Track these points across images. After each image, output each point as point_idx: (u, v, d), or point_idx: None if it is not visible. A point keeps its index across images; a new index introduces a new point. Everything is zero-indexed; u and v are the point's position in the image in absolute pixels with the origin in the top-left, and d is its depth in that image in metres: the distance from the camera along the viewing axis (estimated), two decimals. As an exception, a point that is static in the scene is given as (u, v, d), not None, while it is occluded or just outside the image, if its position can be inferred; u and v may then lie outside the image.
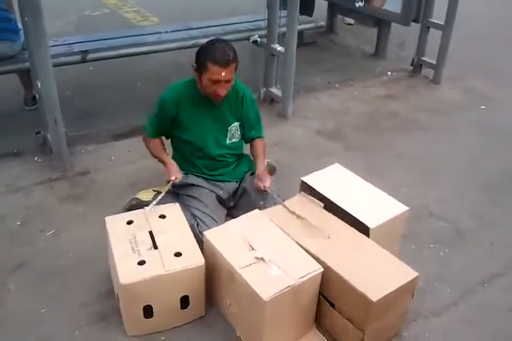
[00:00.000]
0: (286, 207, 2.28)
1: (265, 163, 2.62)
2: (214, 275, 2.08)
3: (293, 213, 2.23)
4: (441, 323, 2.16)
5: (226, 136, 2.57)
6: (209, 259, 2.06)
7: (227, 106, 2.53)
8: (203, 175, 2.58)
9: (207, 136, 2.53)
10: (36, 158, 3.09)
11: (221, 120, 2.54)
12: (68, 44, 3.63)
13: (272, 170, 2.95)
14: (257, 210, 2.27)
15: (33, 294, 2.19)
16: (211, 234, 2.10)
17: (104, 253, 2.19)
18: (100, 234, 2.18)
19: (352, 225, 2.17)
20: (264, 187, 2.42)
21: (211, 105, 2.48)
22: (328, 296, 2.03)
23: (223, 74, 2.29)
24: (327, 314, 2.05)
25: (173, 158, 2.59)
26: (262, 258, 1.95)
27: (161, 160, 2.53)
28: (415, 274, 1.96)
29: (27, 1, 2.53)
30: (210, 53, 2.29)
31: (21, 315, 2.10)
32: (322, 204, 2.28)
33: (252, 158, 2.69)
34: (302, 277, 1.88)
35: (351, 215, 2.19)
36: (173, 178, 2.41)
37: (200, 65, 2.32)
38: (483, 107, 4.03)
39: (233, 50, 2.34)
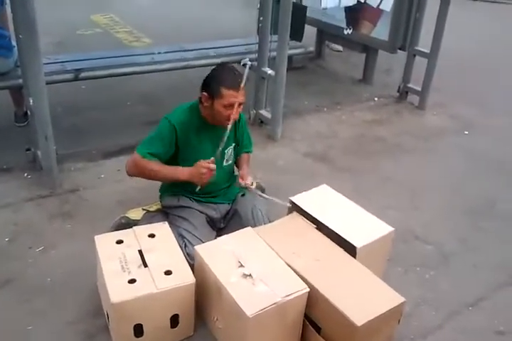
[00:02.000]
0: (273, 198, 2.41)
1: (248, 169, 2.66)
2: (203, 289, 2.08)
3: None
4: (427, 346, 2.18)
5: (223, 158, 2.60)
6: (199, 274, 2.08)
7: (225, 129, 2.56)
8: (195, 197, 2.58)
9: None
10: (26, 175, 3.09)
11: (220, 144, 2.57)
12: (61, 62, 3.67)
13: (260, 191, 2.99)
14: (249, 228, 2.30)
15: (19, 311, 2.17)
16: (202, 249, 2.12)
17: (93, 271, 2.18)
18: (89, 251, 2.18)
19: (338, 245, 2.20)
20: (246, 183, 2.50)
21: (212, 131, 2.49)
22: (314, 318, 2.04)
23: (238, 97, 2.33)
24: (312, 338, 2.05)
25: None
26: (249, 275, 1.97)
27: (176, 171, 2.40)
28: (402, 299, 1.97)
29: (22, 19, 2.56)
30: (222, 79, 2.32)
31: (7, 333, 2.07)
32: (314, 225, 2.31)
33: (236, 166, 2.74)
34: (288, 295, 1.89)
35: (338, 235, 2.22)
36: (212, 166, 2.33)
37: (213, 92, 2.32)
38: (466, 133, 4.14)
39: (240, 73, 2.39)
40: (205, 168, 2.32)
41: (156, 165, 2.38)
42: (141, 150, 2.38)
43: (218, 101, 2.34)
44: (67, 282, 2.32)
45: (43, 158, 2.97)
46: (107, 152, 3.43)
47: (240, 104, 2.37)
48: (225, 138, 2.34)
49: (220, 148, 2.37)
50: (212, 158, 2.36)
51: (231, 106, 2.33)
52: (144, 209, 2.70)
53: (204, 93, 2.37)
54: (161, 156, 2.41)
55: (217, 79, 2.34)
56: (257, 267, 2.02)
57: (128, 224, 2.56)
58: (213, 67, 2.46)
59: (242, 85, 2.32)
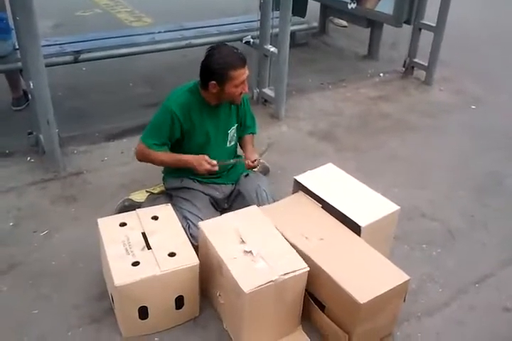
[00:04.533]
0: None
1: (253, 150, 2.63)
2: (207, 266, 2.08)
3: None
4: (433, 323, 2.17)
5: (227, 139, 2.57)
6: (203, 250, 2.09)
7: (227, 109, 2.52)
8: (198, 179, 2.56)
9: (211, 143, 2.50)
10: (28, 159, 3.08)
11: (222, 124, 2.53)
12: (60, 44, 3.62)
13: (265, 171, 2.97)
14: (254, 206, 2.29)
15: (25, 295, 2.19)
16: (205, 226, 2.12)
17: (97, 254, 2.18)
18: (93, 234, 2.17)
19: (344, 224, 2.19)
20: (252, 162, 2.48)
21: (213, 111, 2.46)
22: (319, 297, 2.04)
23: (246, 72, 2.32)
24: (315, 315, 2.07)
25: None
26: (250, 252, 1.97)
27: (180, 161, 2.43)
28: (406, 277, 1.96)
29: (18, 0, 2.52)
30: (225, 63, 2.27)
31: (13, 317, 2.09)
32: (320, 205, 2.29)
33: (241, 147, 2.71)
34: (286, 274, 1.89)
35: (343, 214, 2.21)
36: (214, 163, 2.36)
37: (221, 79, 2.27)
38: (473, 107, 4.07)
39: (237, 48, 2.35)
40: (207, 163, 2.35)
41: (162, 155, 2.42)
42: (146, 140, 2.42)
43: (229, 83, 2.30)
44: (71, 265, 2.33)
45: (45, 142, 2.95)
46: (110, 134, 3.40)
47: (247, 77, 2.35)
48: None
49: (230, 161, 2.48)
50: (216, 162, 2.37)
51: (242, 83, 2.32)
52: (147, 192, 2.70)
53: (212, 82, 2.30)
54: (166, 143, 2.43)
55: (220, 64, 2.27)
56: (259, 244, 2.02)
57: (132, 206, 2.56)
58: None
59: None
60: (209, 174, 2.45)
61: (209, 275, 2.11)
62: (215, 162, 2.37)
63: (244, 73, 2.31)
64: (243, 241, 2.03)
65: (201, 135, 2.47)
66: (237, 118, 2.60)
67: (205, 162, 2.36)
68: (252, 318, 1.92)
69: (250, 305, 1.87)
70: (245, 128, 2.68)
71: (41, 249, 2.42)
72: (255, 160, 2.49)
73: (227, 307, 2.05)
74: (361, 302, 1.82)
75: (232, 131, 2.58)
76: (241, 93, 2.37)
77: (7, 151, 3.16)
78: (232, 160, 2.57)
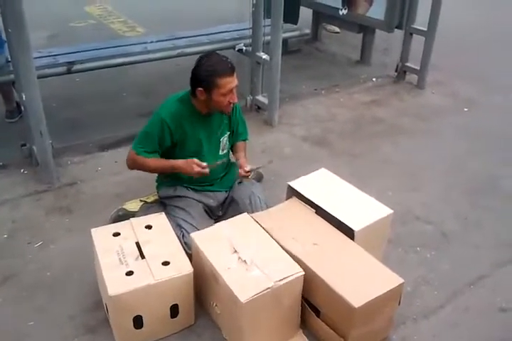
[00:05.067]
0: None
1: (246, 157, 2.65)
2: (201, 276, 2.08)
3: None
4: (429, 326, 2.17)
5: (219, 147, 2.58)
6: (196, 261, 2.09)
7: (218, 118, 2.53)
8: (193, 187, 2.57)
9: (203, 151, 2.51)
10: (22, 170, 3.08)
11: (214, 133, 2.54)
12: (53, 55, 3.64)
13: (259, 178, 2.98)
14: (245, 214, 2.29)
15: (20, 307, 2.18)
16: (197, 236, 2.12)
17: (92, 265, 2.18)
18: (88, 245, 2.17)
19: (337, 228, 2.19)
20: (245, 172, 2.49)
21: (205, 120, 2.48)
22: (313, 302, 2.04)
23: (233, 81, 2.32)
24: (311, 320, 2.07)
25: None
26: (244, 261, 1.97)
27: (170, 166, 2.43)
28: (400, 281, 1.96)
29: (10, 12, 2.53)
30: (213, 70, 2.28)
31: (9, 329, 2.09)
32: (313, 210, 2.30)
33: (233, 154, 2.73)
34: (282, 279, 1.89)
35: (336, 219, 2.21)
36: (204, 165, 2.36)
37: (208, 86, 2.29)
38: (466, 110, 4.09)
39: (227, 57, 2.37)
40: (197, 166, 2.35)
41: (152, 162, 2.44)
42: (136, 147, 2.43)
43: (216, 91, 2.31)
44: (66, 276, 2.33)
45: (38, 153, 2.95)
46: (104, 144, 3.41)
47: (236, 87, 2.35)
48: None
49: (219, 162, 2.46)
50: (206, 164, 2.37)
51: (230, 91, 2.32)
52: (141, 201, 2.71)
53: (199, 89, 2.32)
54: (156, 150, 2.44)
55: (208, 71, 2.29)
56: (252, 252, 2.02)
57: (126, 215, 2.56)
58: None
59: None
60: (201, 177, 2.43)
61: (203, 285, 2.11)
62: (205, 164, 2.37)
63: (231, 82, 2.31)
64: (236, 250, 2.03)
65: (193, 144, 2.47)
66: (230, 127, 2.62)
67: (195, 165, 2.35)
68: (251, 327, 1.92)
69: (248, 314, 1.87)
70: (237, 135, 2.70)
71: (36, 261, 2.42)
72: (249, 172, 2.51)
73: (224, 317, 2.05)
74: (356, 307, 1.83)
75: (225, 140, 2.59)
76: (230, 103, 2.37)
77: (1, 163, 3.16)
78: (219, 162, 2.56)
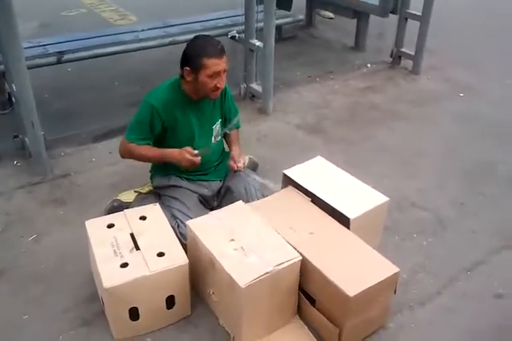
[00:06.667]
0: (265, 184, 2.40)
1: (240, 147, 2.64)
2: (197, 264, 2.08)
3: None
4: (426, 313, 2.17)
5: (211, 135, 2.56)
6: (192, 249, 2.08)
7: (210, 105, 2.51)
8: (187, 176, 2.55)
9: (196, 139, 2.49)
10: (15, 162, 3.06)
11: (206, 120, 2.52)
12: (43, 45, 3.59)
13: (254, 166, 2.96)
14: (240, 202, 2.28)
15: (15, 301, 2.17)
16: (193, 224, 2.11)
17: (87, 256, 2.17)
18: (82, 237, 2.15)
19: (333, 216, 2.18)
20: (237, 167, 2.49)
21: (196, 107, 2.45)
22: (309, 291, 2.04)
23: (221, 64, 2.28)
24: (306, 310, 2.06)
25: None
26: (241, 247, 1.97)
27: (164, 155, 2.42)
28: (396, 269, 1.95)
29: (-2, 3, 2.49)
30: (201, 50, 2.26)
31: (3, 322, 2.08)
32: (309, 199, 2.28)
33: (226, 143, 2.71)
34: (280, 264, 1.89)
35: (332, 207, 2.20)
36: (195, 152, 2.33)
37: (195, 65, 2.26)
38: (461, 95, 4.07)
39: (218, 40, 2.34)
40: (189, 155, 2.32)
41: (143, 150, 2.41)
42: (128, 135, 2.42)
43: (202, 72, 2.27)
44: (61, 269, 2.31)
45: (31, 145, 2.92)
46: (97, 135, 3.38)
47: (224, 71, 2.32)
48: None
49: (208, 148, 2.38)
50: (197, 152, 2.35)
51: (216, 74, 2.29)
52: (135, 191, 2.69)
53: (186, 68, 2.30)
54: (148, 137, 2.41)
55: (196, 51, 2.27)
56: (249, 239, 2.02)
57: (120, 207, 2.55)
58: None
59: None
60: (194, 167, 2.41)
61: (200, 273, 2.11)
62: (196, 152, 2.34)
63: (219, 64, 2.27)
64: (232, 237, 2.02)
65: (185, 130, 2.45)
66: (221, 114, 2.59)
67: (187, 153, 2.33)
68: (249, 312, 1.92)
69: (247, 299, 1.87)
70: (229, 122, 2.66)
71: (30, 253, 2.41)
72: (239, 166, 2.51)
73: (221, 304, 2.05)
74: (350, 296, 1.82)
75: (217, 127, 2.57)
76: (217, 87, 2.32)
77: (-7, 155, 3.14)
78: (207, 149, 2.46)
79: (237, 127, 2.74)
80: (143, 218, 2.20)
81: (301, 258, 1.94)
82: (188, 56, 2.30)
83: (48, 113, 3.37)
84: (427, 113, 3.81)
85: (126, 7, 5.96)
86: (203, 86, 2.33)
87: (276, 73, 3.66)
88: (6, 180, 2.90)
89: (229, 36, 4.01)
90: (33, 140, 2.89)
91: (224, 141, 2.72)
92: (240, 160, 2.54)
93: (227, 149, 2.72)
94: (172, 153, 2.39)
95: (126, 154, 2.49)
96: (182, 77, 2.37)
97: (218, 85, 2.32)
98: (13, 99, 2.87)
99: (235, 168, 2.50)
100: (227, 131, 2.64)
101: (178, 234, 2.27)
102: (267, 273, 1.85)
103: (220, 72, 2.29)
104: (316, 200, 2.27)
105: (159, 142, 2.45)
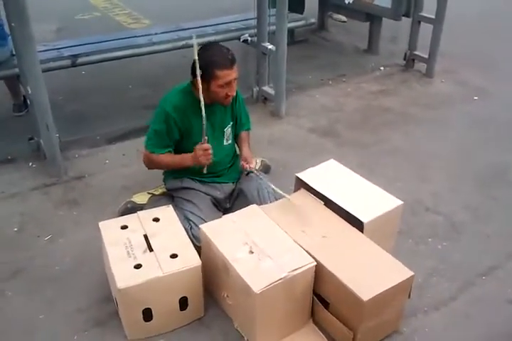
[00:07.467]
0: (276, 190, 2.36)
1: (250, 149, 2.64)
2: (211, 268, 2.08)
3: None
4: (440, 317, 2.15)
5: (223, 138, 2.57)
6: (206, 252, 2.08)
7: (222, 108, 2.52)
8: (199, 179, 2.56)
9: (208, 141, 2.47)
10: (30, 164, 3.09)
11: (218, 123, 2.53)
12: (58, 49, 3.63)
13: (266, 169, 2.96)
14: (254, 205, 2.28)
15: (30, 300, 2.19)
16: (207, 228, 2.11)
17: (101, 257, 2.19)
18: (96, 238, 2.17)
19: (346, 220, 2.17)
20: (250, 167, 2.49)
21: (208, 110, 2.45)
22: (322, 294, 2.03)
23: (232, 74, 2.30)
24: (320, 313, 2.06)
25: None
26: (255, 252, 1.97)
27: (183, 159, 2.42)
28: (410, 273, 1.94)
29: (13, 6, 2.51)
30: (212, 60, 2.26)
31: (19, 322, 2.10)
32: (322, 202, 2.28)
33: (237, 145, 2.71)
34: (294, 270, 1.88)
35: (345, 210, 2.19)
36: (207, 146, 2.29)
37: (207, 76, 2.26)
38: (475, 98, 4.04)
39: (228, 49, 2.35)
40: (200, 149, 2.31)
41: (165, 158, 2.44)
42: (148, 146, 2.45)
43: (214, 83, 2.30)
44: (75, 269, 2.33)
45: (46, 147, 2.95)
46: (111, 137, 3.40)
47: (235, 79, 2.33)
48: (204, 115, 2.22)
49: (204, 124, 2.26)
50: (203, 140, 2.32)
51: (227, 84, 2.31)
52: (149, 193, 2.70)
53: (197, 78, 2.29)
54: (169, 144, 2.44)
55: (207, 62, 2.26)
56: (263, 243, 2.01)
57: (134, 208, 2.56)
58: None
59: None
60: (209, 164, 2.38)
61: (214, 276, 2.11)
62: (205, 145, 2.30)
63: (229, 75, 2.29)
64: (247, 242, 2.02)
65: (199, 134, 2.46)
66: (232, 116, 2.60)
67: (199, 151, 2.31)
68: (263, 317, 1.92)
69: (261, 305, 1.87)
70: (240, 125, 2.68)
71: (45, 254, 2.43)
72: (251, 167, 2.52)
73: (236, 308, 2.05)
74: (364, 300, 1.81)
75: (228, 130, 2.58)
76: (228, 95, 2.35)
77: (9, 157, 3.17)
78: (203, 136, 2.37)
79: (247, 129, 2.74)
80: (156, 220, 2.21)
81: (315, 263, 1.93)
82: (199, 66, 2.28)
83: (63, 115, 3.40)
84: (440, 116, 3.79)
85: (139, 11, 6.00)
86: (215, 94, 2.35)
87: (288, 76, 3.67)
88: (21, 182, 2.93)
89: (241, 40, 4.02)
90: (48, 142, 2.92)
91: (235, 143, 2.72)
92: (252, 160, 2.55)
93: (238, 152, 2.73)
94: (189, 156, 2.39)
95: (150, 165, 2.52)
96: (193, 84, 2.37)
97: (229, 93, 2.35)
98: (28, 101, 2.90)
99: (247, 168, 2.50)
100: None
101: (191, 235, 2.28)
102: (281, 278, 1.85)
103: (230, 81, 2.31)
104: (329, 204, 2.26)
105: (176, 149, 2.48)
